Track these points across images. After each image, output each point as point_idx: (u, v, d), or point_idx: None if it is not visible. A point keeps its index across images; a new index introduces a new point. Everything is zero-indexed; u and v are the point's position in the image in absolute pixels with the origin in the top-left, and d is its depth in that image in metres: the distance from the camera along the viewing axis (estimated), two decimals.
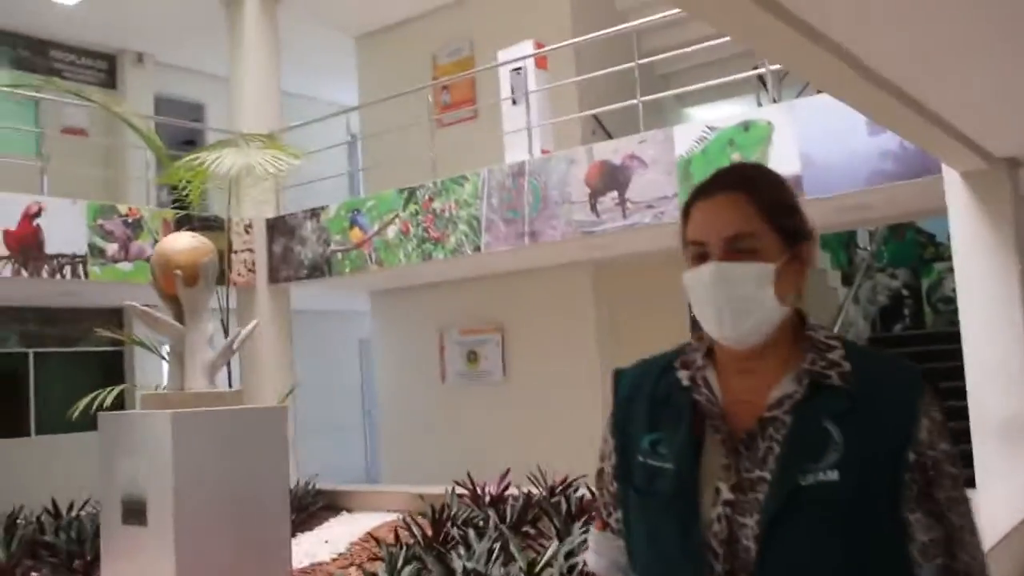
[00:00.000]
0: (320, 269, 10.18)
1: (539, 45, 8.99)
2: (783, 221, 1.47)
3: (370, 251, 9.73)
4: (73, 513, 8.71)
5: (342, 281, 10.48)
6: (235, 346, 5.94)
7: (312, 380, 13.42)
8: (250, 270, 10.57)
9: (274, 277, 10.65)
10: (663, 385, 1.57)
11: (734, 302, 1.44)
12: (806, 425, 1.42)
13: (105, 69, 12.79)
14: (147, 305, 5.76)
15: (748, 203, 1.46)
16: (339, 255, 10.00)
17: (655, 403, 1.56)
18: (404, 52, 12.01)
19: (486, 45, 10.65)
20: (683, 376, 1.54)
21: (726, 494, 1.42)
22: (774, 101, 7.53)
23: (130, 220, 9.34)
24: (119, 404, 7.88)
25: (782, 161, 6.89)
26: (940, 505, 1.39)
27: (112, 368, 11.81)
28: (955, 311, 11.43)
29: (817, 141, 6.91)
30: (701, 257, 1.48)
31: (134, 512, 5.39)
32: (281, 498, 5.76)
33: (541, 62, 9.07)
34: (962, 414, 8.25)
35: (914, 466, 1.38)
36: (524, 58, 8.98)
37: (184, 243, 5.76)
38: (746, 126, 7.20)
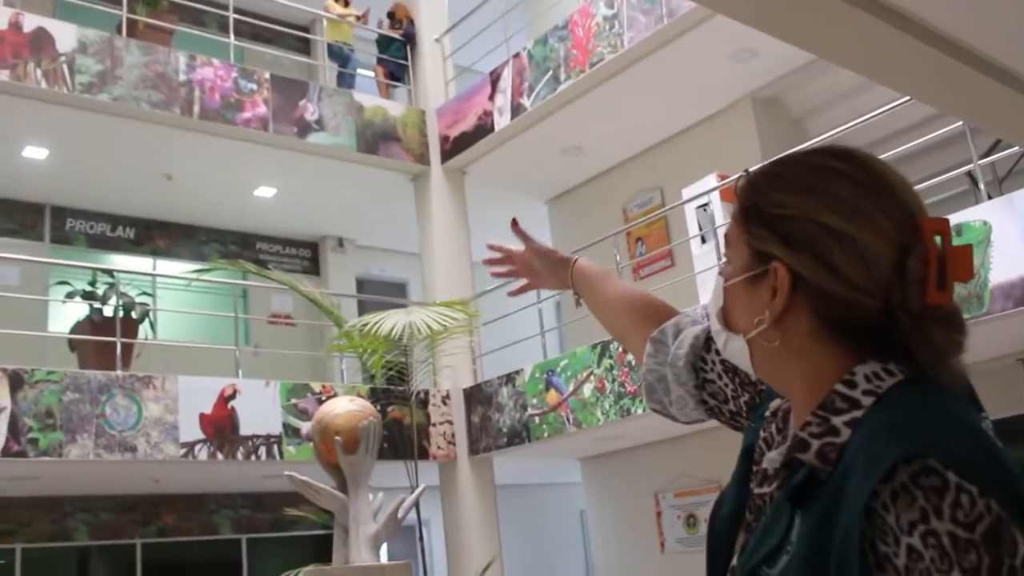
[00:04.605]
0: (519, 436, 9.71)
1: (722, 177, 8.45)
2: (753, 228, 1.14)
3: (567, 412, 9.20)
4: None
5: (543, 447, 9.94)
6: (401, 514, 5.52)
7: (531, 556, 12.81)
8: (450, 442, 10.25)
9: (474, 448, 10.26)
10: None
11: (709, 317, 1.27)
12: (778, 512, 1.07)
13: (308, 256, 13.21)
14: None
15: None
16: (536, 419, 9.52)
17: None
18: (595, 208, 11.74)
19: (676, 190, 10.21)
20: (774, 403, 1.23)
21: None
22: (989, 197, 6.58)
23: (323, 398, 9.25)
24: None
25: (1008, 269, 5.90)
26: None
27: (325, 551, 11.58)
28: None
29: None
30: None
31: None
32: None
33: (727, 195, 8.50)
34: None
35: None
36: (708, 192, 8.45)
37: (343, 407, 5.47)
38: (958, 230, 6.23)
